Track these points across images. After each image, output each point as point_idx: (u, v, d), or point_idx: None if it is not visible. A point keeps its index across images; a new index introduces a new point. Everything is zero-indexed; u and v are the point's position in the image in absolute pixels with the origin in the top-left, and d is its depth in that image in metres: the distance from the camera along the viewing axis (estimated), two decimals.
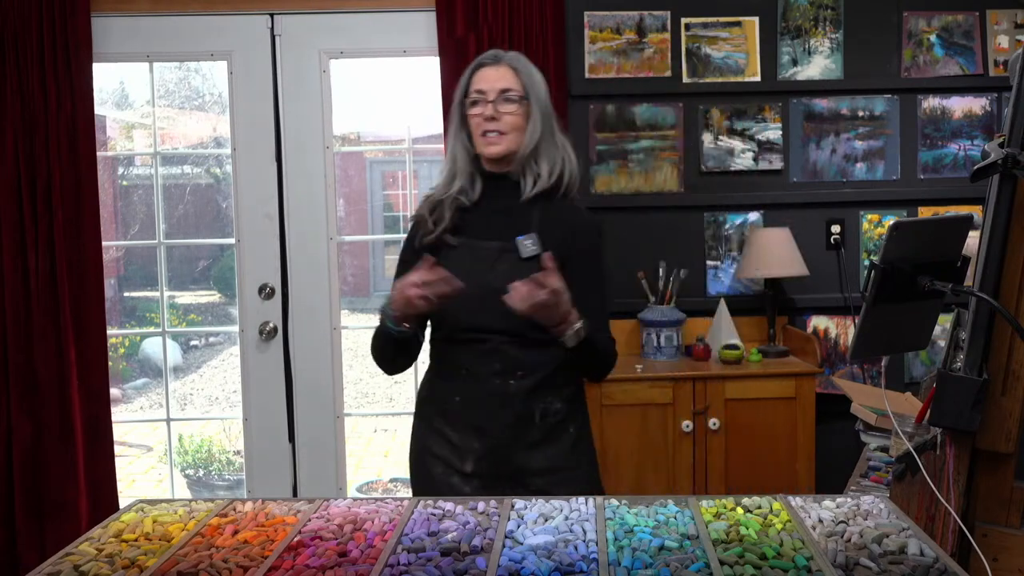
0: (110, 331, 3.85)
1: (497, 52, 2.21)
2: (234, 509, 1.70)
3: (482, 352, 2.11)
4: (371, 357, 2.25)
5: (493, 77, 2.15)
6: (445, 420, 2.17)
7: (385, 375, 2.36)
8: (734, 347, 3.61)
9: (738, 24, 3.90)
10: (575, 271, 2.09)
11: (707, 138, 3.91)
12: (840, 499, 1.69)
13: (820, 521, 1.58)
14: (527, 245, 2.10)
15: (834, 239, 3.93)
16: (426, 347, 2.28)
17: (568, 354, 2.06)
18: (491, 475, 2.12)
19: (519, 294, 1.92)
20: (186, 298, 4.53)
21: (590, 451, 2.27)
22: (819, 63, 3.92)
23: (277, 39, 3.83)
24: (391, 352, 2.18)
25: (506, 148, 2.14)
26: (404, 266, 2.19)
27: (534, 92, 2.16)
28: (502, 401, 2.11)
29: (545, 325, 2.00)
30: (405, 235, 2.31)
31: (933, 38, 3.93)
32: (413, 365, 2.29)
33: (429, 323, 2.21)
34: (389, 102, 4.02)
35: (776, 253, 3.68)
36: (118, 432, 3.87)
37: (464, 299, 2.05)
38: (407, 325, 2.07)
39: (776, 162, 3.92)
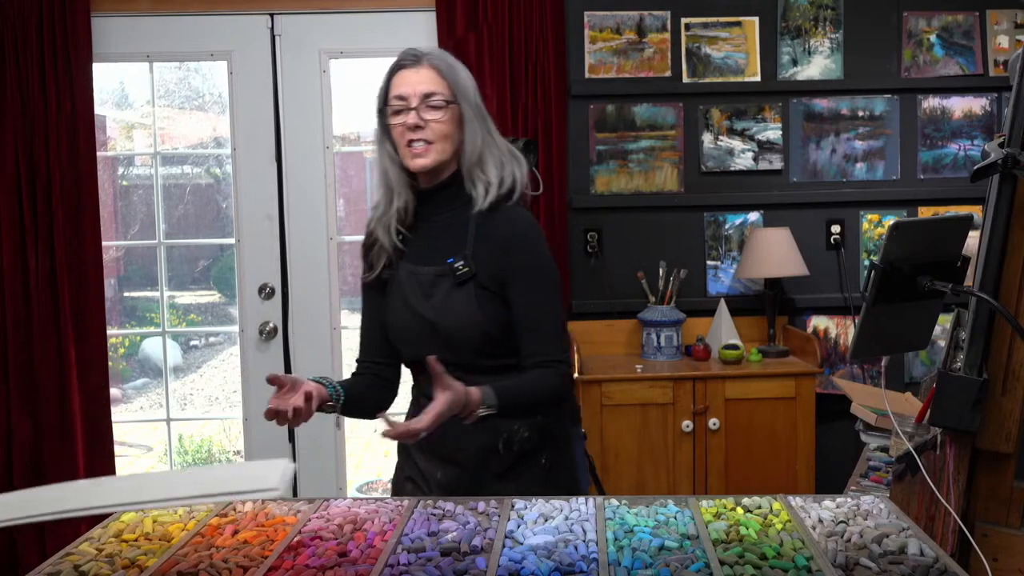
0: (110, 331, 3.85)
1: (416, 50, 1.95)
2: (234, 509, 1.70)
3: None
4: None
5: (414, 80, 1.91)
6: (416, 445, 2.00)
7: None
8: (734, 347, 3.61)
9: (738, 24, 3.90)
10: (513, 289, 1.91)
11: (707, 138, 3.91)
12: (840, 499, 1.69)
13: (820, 521, 1.58)
14: (459, 267, 1.91)
15: (834, 239, 3.93)
16: None
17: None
18: None
19: (393, 433, 1.70)
20: (186, 298, 4.53)
21: (569, 480, 2.06)
22: (819, 63, 3.92)
23: (277, 39, 3.83)
24: (359, 414, 2.00)
25: (434, 159, 1.91)
26: (367, 309, 2.08)
27: (462, 94, 1.92)
28: (463, 429, 1.86)
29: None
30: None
31: (933, 38, 3.93)
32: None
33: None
34: None
35: (776, 253, 3.68)
36: (118, 432, 3.87)
37: (405, 331, 1.97)
38: (329, 404, 1.89)
39: (776, 162, 3.92)
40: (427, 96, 1.90)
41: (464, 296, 1.90)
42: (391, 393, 2.09)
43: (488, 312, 1.91)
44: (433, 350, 1.86)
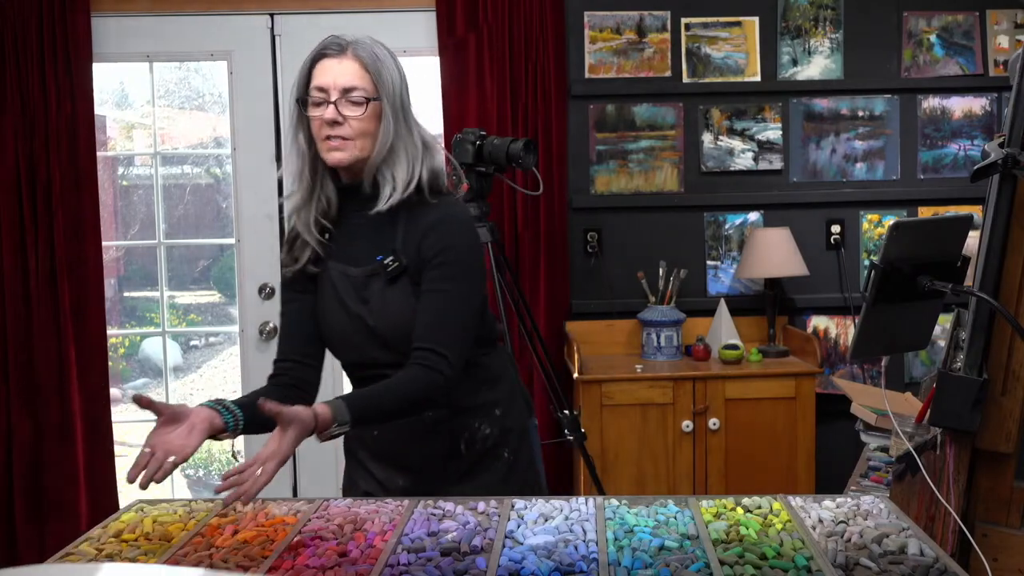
0: (110, 331, 3.85)
1: (341, 39, 1.83)
2: (234, 509, 1.70)
3: None
4: None
5: (336, 71, 1.80)
6: (368, 454, 1.96)
7: None
8: (734, 347, 3.61)
9: (738, 24, 3.90)
10: (424, 275, 1.82)
11: (707, 138, 3.91)
12: (840, 499, 1.69)
13: (820, 521, 1.58)
14: (388, 264, 1.83)
15: (834, 239, 3.93)
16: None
17: None
18: None
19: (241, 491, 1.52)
20: (186, 298, 4.52)
21: (530, 472, 2.02)
22: (819, 63, 3.92)
23: (277, 39, 3.83)
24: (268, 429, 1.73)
25: (351, 156, 1.81)
26: (289, 306, 1.95)
27: (385, 90, 1.81)
28: (421, 434, 1.86)
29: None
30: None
31: (933, 38, 3.93)
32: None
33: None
34: None
35: (776, 253, 3.68)
36: (118, 432, 3.87)
37: (341, 334, 1.88)
38: (224, 435, 1.72)
39: (776, 162, 3.92)
40: (347, 91, 1.80)
41: (399, 294, 1.83)
42: (307, 399, 1.91)
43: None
44: (372, 351, 1.86)
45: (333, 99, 1.79)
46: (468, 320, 1.84)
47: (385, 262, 1.83)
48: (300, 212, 1.88)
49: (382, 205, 1.82)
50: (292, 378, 1.92)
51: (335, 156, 1.81)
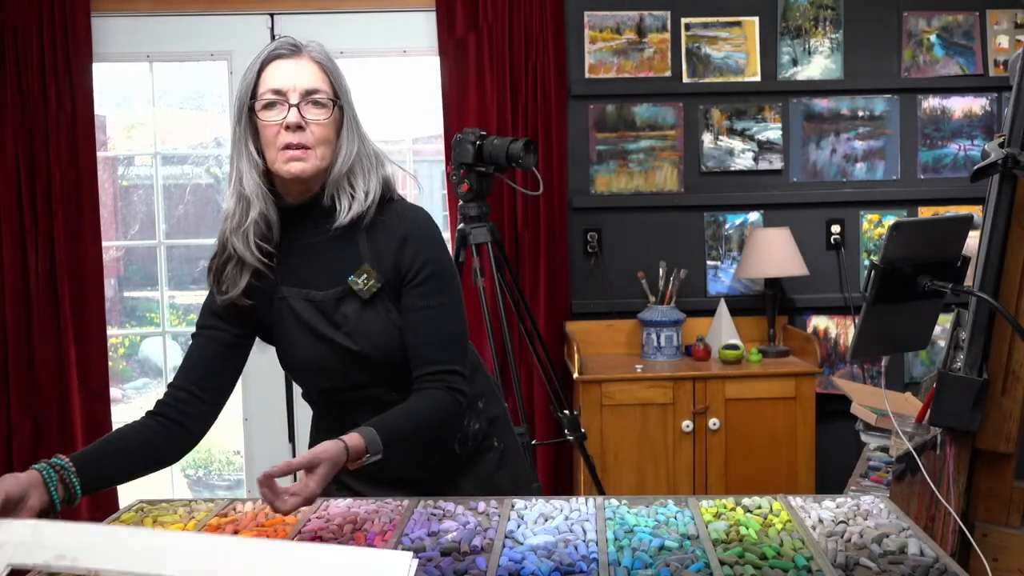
0: (110, 331, 3.85)
1: (294, 40, 1.68)
2: (234, 509, 1.70)
3: (370, 408, 1.70)
4: None
5: (293, 72, 1.65)
6: (354, 477, 1.78)
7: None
8: (734, 347, 3.61)
9: (738, 24, 3.90)
10: (407, 288, 1.70)
11: (707, 138, 3.91)
12: (840, 499, 1.69)
13: (820, 521, 1.58)
14: (362, 283, 1.69)
15: (834, 239, 3.93)
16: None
17: None
18: None
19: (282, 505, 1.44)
20: (186, 298, 4.53)
21: (519, 456, 2.00)
22: (819, 63, 3.92)
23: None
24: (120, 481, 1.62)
25: (313, 166, 1.65)
26: (203, 337, 1.76)
27: (344, 95, 1.69)
28: (421, 448, 1.74)
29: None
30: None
31: (933, 38, 3.93)
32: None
33: (295, 384, 1.87)
34: (389, 102, 4.02)
35: (776, 253, 3.68)
36: None
37: (315, 362, 1.73)
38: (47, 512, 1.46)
39: (776, 162, 3.92)
40: (309, 92, 1.64)
41: (376, 314, 1.70)
42: (185, 441, 1.70)
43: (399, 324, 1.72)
44: (355, 375, 1.73)
45: (294, 101, 1.63)
46: (465, 330, 1.77)
47: (358, 282, 1.68)
48: (239, 235, 1.68)
49: (342, 219, 1.68)
50: (179, 412, 1.69)
51: (295, 167, 1.64)
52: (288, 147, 1.63)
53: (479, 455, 1.91)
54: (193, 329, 1.79)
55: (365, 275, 1.69)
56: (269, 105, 1.65)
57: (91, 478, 1.51)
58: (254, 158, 1.67)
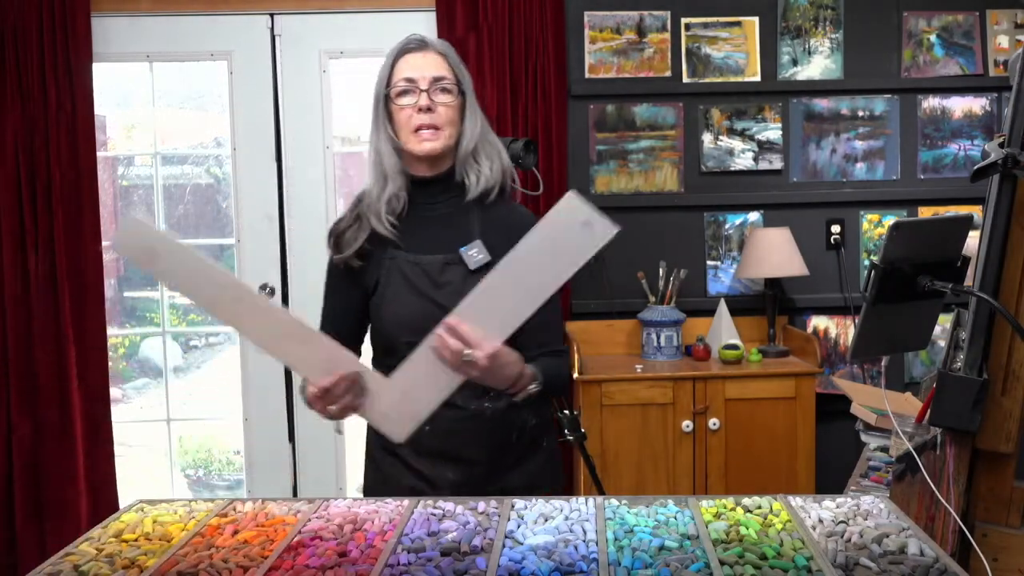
0: (110, 331, 3.85)
1: (422, 37, 1.95)
2: (234, 509, 1.70)
3: None
4: None
5: (422, 64, 1.91)
6: (413, 451, 1.95)
7: None
8: (734, 347, 3.61)
9: (738, 24, 3.90)
10: None
11: (707, 138, 3.91)
12: (840, 499, 1.69)
13: (820, 521, 1.58)
14: (473, 255, 1.91)
15: (834, 239, 3.93)
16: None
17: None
18: None
19: (447, 350, 1.64)
20: (186, 298, 4.52)
21: (558, 460, 2.12)
22: (819, 63, 3.92)
23: (277, 39, 3.84)
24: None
25: (443, 144, 1.90)
26: (333, 295, 2.00)
27: (467, 83, 1.95)
28: (479, 426, 1.92)
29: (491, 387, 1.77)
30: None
31: (933, 38, 3.93)
32: None
33: (373, 349, 2.02)
34: None
35: (776, 253, 3.68)
36: (118, 432, 3.87)
37: (413, 320, 1.86)
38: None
39: (776, 162, 3.92)
40: (437, 80, 1.90)
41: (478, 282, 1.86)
42: None
43: None
44: None
45: (424, 87, 1.88)
46: (560, 316, 2.07)
47: (470, 253, 1.90)
48: (372, 206, 1.94)
49: (473, 192, 1.92)
50: None
51: (427, 146, 1.89)
52: (420, 128, 1.89)
53: (530, 451, 2.01)
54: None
55: (476, 249, 1.91)
56: (402, 93, 1.90)
57: None
58: (391, 139, 1.92)
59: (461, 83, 1.93)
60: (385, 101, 1.92)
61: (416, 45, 1.93)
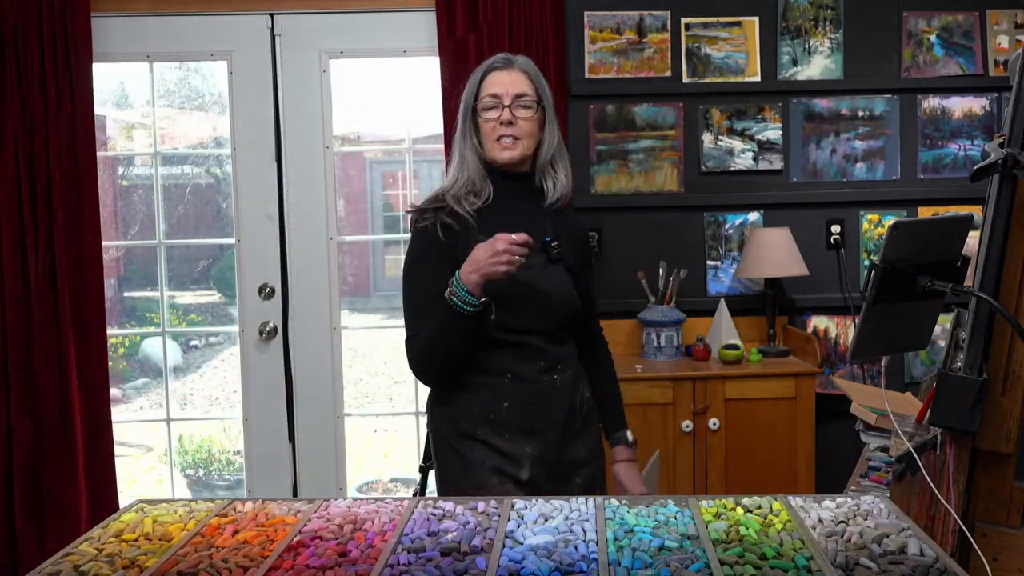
0: (110, 331, 3.85)
1: (508, 56, 2.20)
2: (234, 509, 1.70)
3: (526, 353, 2.11)
4: (417, 369, 2.13)
5: (507, 81, 2.14)
6: (492, 430, 2.10)
7: (422, 382, 2.24)
8: (734, 347, 3.61)
9: (738, 24, 3.91)
10: (583, 275, 2.25)
11: (707, 138, 3.91)
12: (840, 499, 1.69)
13: (820, 521, 1.58)
14: (554, 247, 2.15)
15: (834, 239, 3.93)
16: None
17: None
18: (545, 477, 2.10)
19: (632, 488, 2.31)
20: (186, 298, 4.53)
21: (601, 439, 2.37)
22: (819, 63, 3.92)
23: (277, 39, 3.83)
24: (459, 342, 2.05)
25: (521, 153, 2.14)
26: (428, 278, 2.10)
27: (547, 98, 2.18)
28: (552, 398, 2.13)
29: None
30: (406, 245, 2.22)
31: (933, 38, 3.93)
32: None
33: None
34: (389, 102, 4.02)
35: (776, 253, 3.68)
36: (118, 432, 3.87)
37: (498, 296, 2.02)
38: (485, 299, 1.99)
39: (776, 162, 3.92)
40: (519, 96, 2.13)
41: (557, 272, 2.15)
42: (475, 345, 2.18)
43: (574, 289, 2.19)
44: (531, 317, 2.11)
45: (507, 103, 2.12)
46: None
47: (552, 244, 2.15)
48: (452, 195, 2.15)
49: (551, 198, 2.18)
50: None
51: (507, 154, 2.13)
52: (501, 138, 2.13)
53: (588, 423, 2.25)
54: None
55: (557, 243, 2.16)
56: (488, 107, 2.14)
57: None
58: (475, 147, 2.16)
59: (542, 99, 2.16)
60: (472, 114, 2.16)
61: (502, 63, 2.17)
